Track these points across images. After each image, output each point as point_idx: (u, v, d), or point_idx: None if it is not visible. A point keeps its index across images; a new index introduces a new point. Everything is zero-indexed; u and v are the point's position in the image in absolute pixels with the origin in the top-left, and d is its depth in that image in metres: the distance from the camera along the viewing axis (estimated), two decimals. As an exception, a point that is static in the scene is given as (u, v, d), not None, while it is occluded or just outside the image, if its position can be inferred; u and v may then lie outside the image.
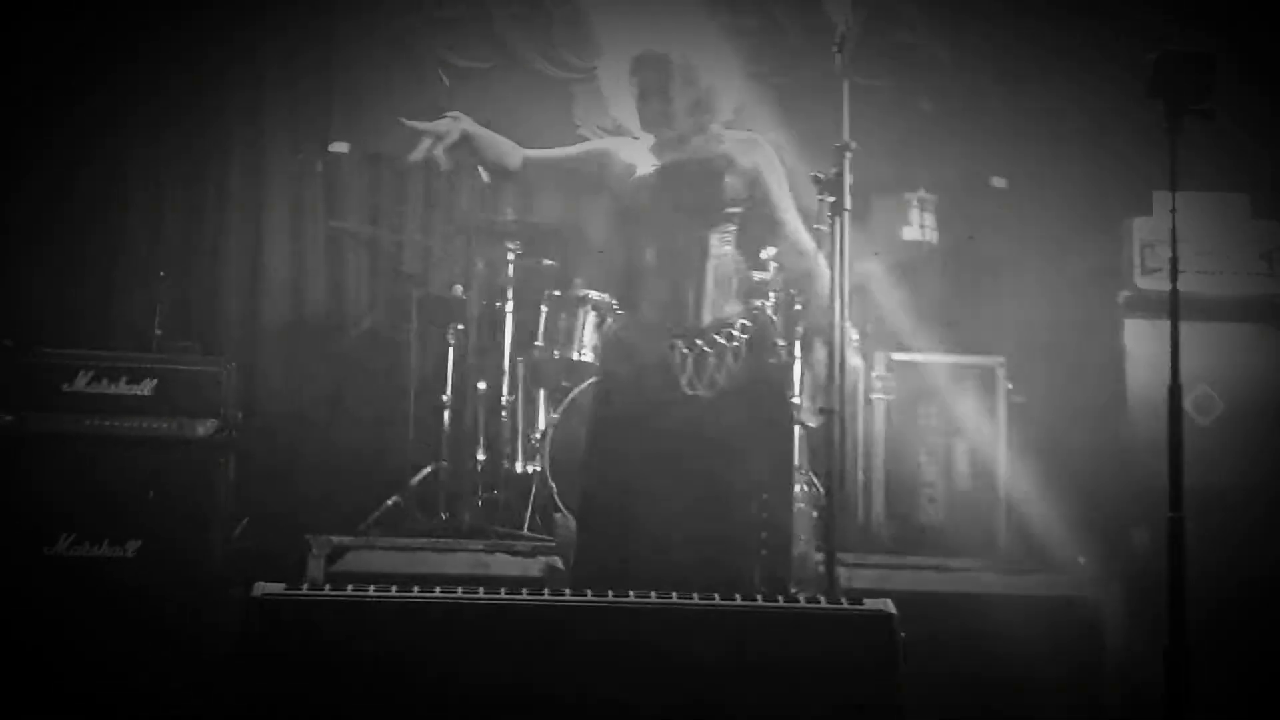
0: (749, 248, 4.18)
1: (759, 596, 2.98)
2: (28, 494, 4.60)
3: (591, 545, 3.95)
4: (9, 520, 4.56)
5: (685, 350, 3.90)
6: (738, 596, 2.94)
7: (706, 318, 3.93)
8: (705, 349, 3.90)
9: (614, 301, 5.84)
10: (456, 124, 3.93)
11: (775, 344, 4.07)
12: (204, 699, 4.44)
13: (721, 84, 4.05)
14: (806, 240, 4.00)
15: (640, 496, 3.84)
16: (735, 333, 3.93)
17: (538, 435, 5.90)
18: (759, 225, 4.10)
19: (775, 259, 5.01)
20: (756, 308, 4.05)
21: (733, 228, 4.01)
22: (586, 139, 6.89)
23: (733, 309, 3.97)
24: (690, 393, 3.89)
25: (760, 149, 4.01)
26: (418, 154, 3.86)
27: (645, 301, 4.00)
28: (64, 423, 4.69)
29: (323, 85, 6.93)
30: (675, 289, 3.95)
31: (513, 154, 4.09)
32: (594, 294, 5.87)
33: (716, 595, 2.93)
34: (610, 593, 2.90)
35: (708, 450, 3.86)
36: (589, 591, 2.91)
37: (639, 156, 4.08)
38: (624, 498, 3.87)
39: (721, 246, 3.98)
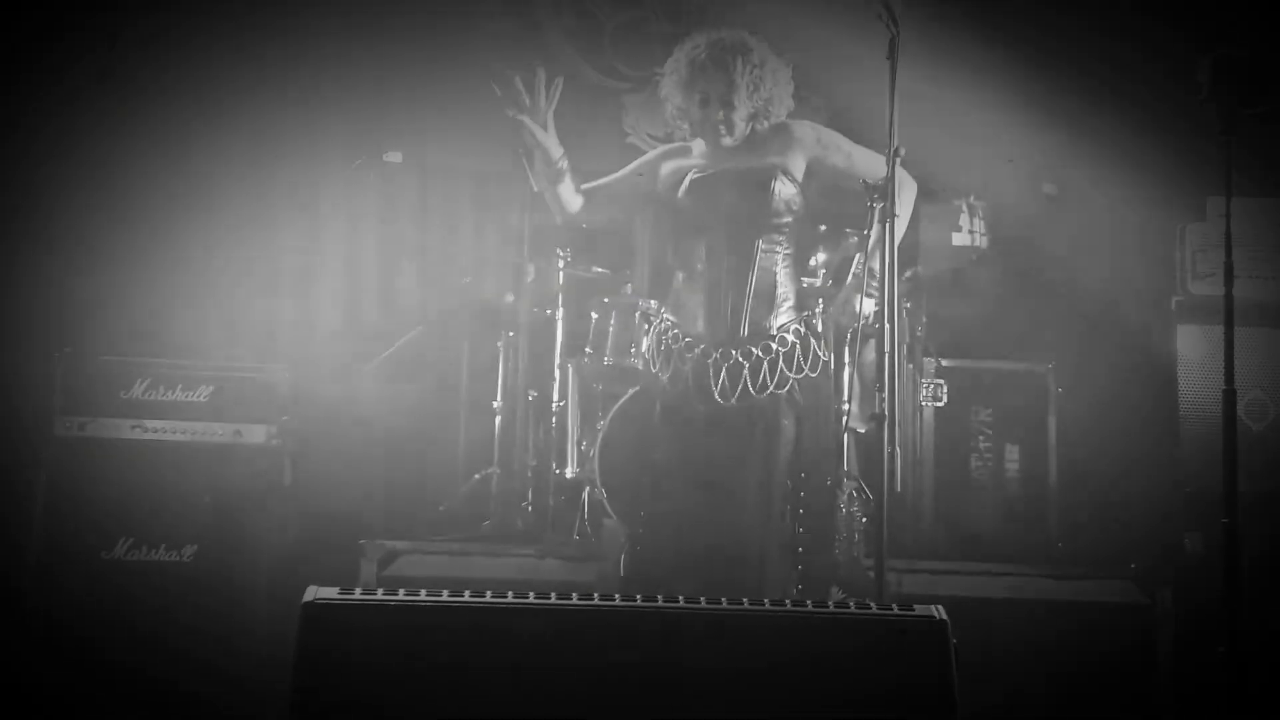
0: (799, 256, 4.19)
1: (809, 602, 2.98)
2: (87, 499, 4.66)
3: (636, 551, 3.99)
4: (69, 525, 4.62)
5: (721, 361, 3.95)
6: (787, 602, 2.95)
7: (745, 329, 3.96)
8: (740, 360, 3.93)
9: (664, 309, 5.86)
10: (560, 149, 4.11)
11: (817, 357, 4.06)
12: (258, 702, 4.48)
13: (780, 93, 4.06)
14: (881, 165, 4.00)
15: (675, 503, 3.88)
16: (773, 345, 3.95)
17: (587, 442, 5.91)
18: (808, 233, 4.12)
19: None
20: (803, 317, 4.05)
21: (780, 238, 4.01)
22: (637, 147, 6.98)
23: (779, 319, 3.98)
24: (721, 402, 3.92)
25: (804, 134, 4.04)
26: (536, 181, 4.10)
27: (689, 311, 4.02)
28: (122, 429, 4.75)
29: (376, 96, 6.98)
30: (717, 299, 3.99)
31: (575, 200, 4.23)
32: (643, 301, 5.88)
33: (766, 601, 2.93)
34: (660, 597, 2.91)
35: (733, 458, 3.90)
36: (639, 596, 2.92)
37: (687, 164, 4.10)
38: (662, 505, 3.91)
39: (769, 256, 3.99)
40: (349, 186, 6.82)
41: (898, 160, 3.65)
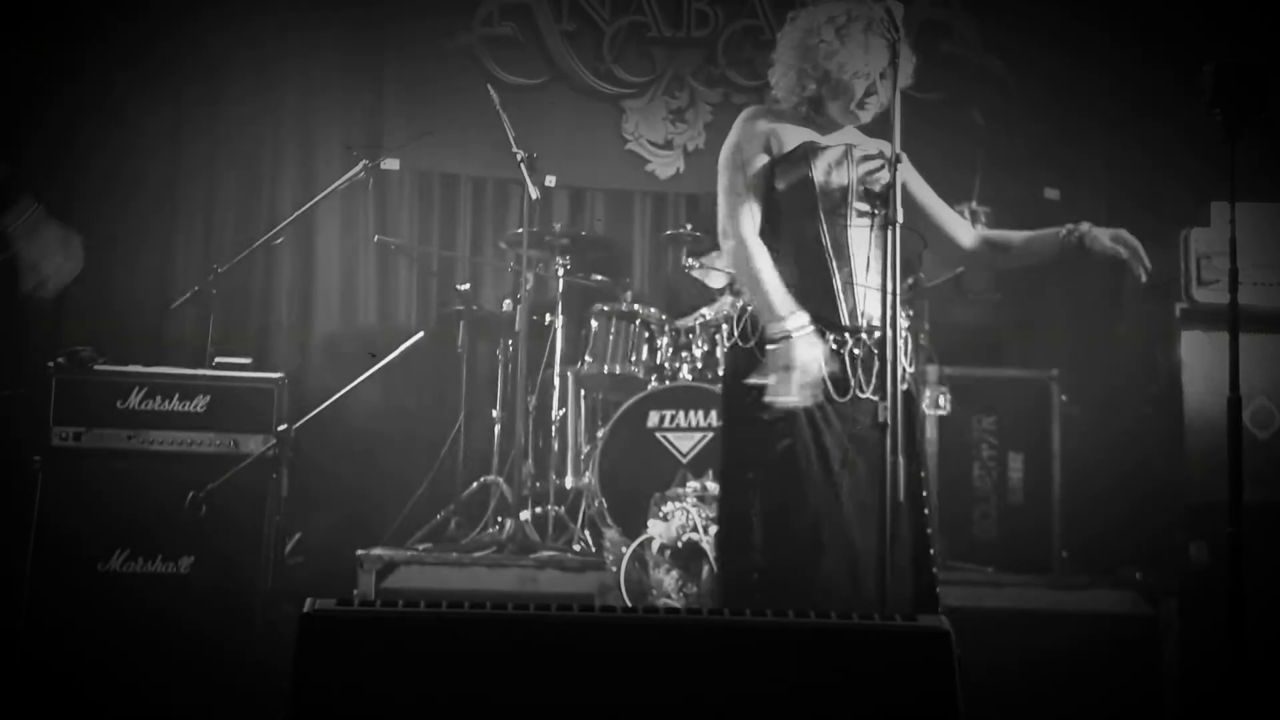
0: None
1: (811, 613, 2.94)
2: (83, 510, 4.63)
3: (778, 563, 3.74)
4: (65, 537, 4.59)
5: (849, 349, 3.71)
6: (790, 613, 2.91)
7: (863, 315, 3.73)
8: (871, 348, 3.71)
9: (664, 315, 5.84)
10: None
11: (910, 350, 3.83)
12: (255, 714, 4.45)
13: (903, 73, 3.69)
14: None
15: (833, 513, 3.64)
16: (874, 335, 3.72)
17: (587, 450, 5.89)
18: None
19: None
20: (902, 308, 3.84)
21: (886, 228, 3.61)
22: (636, 154, 6.98)
23: (876, 309, 3.69)
24: (862, 396, 3.69)
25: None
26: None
27: (795, 292, 3.71)
28: (118, 439, 4.72)
29: (374, 102, 6.98)
30: (825, 280, 3.75)
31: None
32: (643, 309, 5.87)
33: (768, 611, 2.90)
34: (660, 608, 2.88)
35: (876, 461, 3.51)
36: (639, 607, 2.89)
37: (789, 135, 3.81)
38: (817, 512, 3.64)
39: (878, 239, 3.74)
40: (347, 193, 6.80)
41: (898, 168, 3.58)
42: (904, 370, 3.64)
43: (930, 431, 5.67)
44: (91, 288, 6.56)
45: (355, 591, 5.01)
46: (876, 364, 3.69)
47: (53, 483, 4.63)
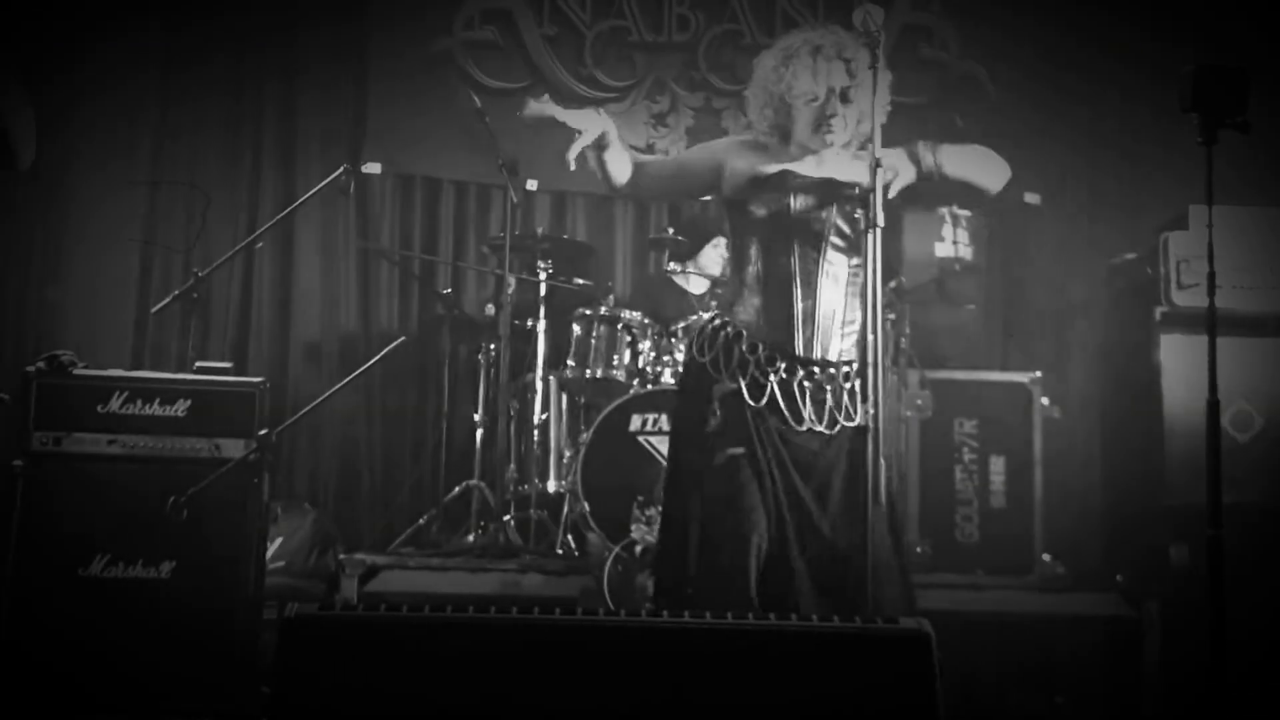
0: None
1: (793, 616, 2.94)
2: (63, 515, 4.60)
3: (712, 575, 3.75)
4: (45, 542, 4.55)
5: (806, 380, 3.75)
6: (771, 616, 2.92)
7: (822, 349, 3.76)
8: (823, 383, 3.75)
9: (646, 319, 5.84)
10: (599, 121, 3.78)
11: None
12: (237, 719, 4.44)
13: (882, 100, 3.67)
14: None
15: (773, 525, 3.68)
16: (851, 371, 3.77)
17: (569, 454, 5.89)
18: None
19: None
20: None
21: (858, 257, 3.73)
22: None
23: (844, 344, 3.79)
24: (813, 429, 3.73)
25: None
26: (573, 151, 3.72)
27: (758, 320, 3.80)
28: (99, 444, 4.69)
29: (355, 107, 6.97)
30: (787, 310, 3.78)
31: (623, 170, 3.89)
32: (625, 313, 5.87)
33: (749, 615, 2.90)
34: (643, 612, 2.88)
35: (829, 489, 3.71)
36: (622, 611, 2.89)
37: (770, 163, 3.84)
38: (751, 523, 3.67)
39: (851, 274, 3.78)
40: (328, 196, 6.80)
41: (880, 172, 3.57)
42: (864, 410, 3.67)
43: (912, 435, 5.69)
44: (72, 291, 6.56)
45: (337, 596, 5.00)
46: (829, 399, 3.74)
47: (33, 487, 4.60)
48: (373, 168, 6.85)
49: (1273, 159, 5.65)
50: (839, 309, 3.79)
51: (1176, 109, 3.58)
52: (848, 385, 3.76)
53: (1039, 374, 5.84)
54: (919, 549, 5.54)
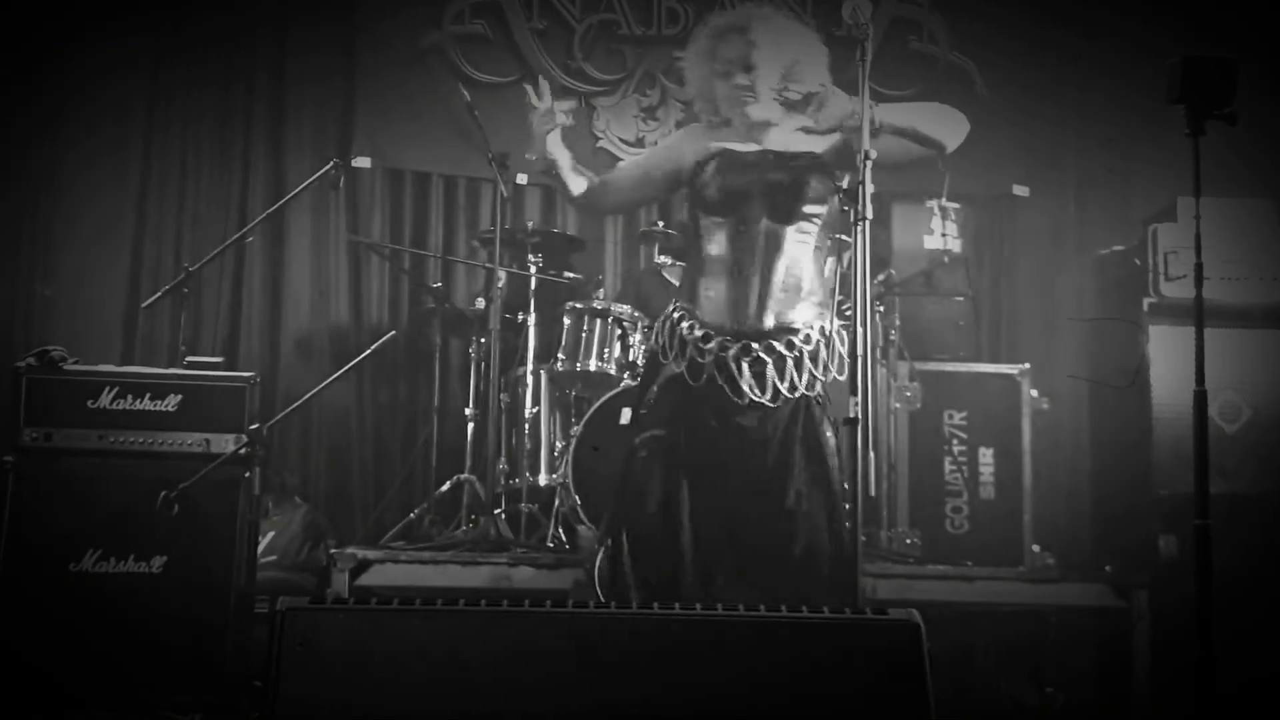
0: (827, 248, 4.00)
1: (783, 607, 2.95)
2: (54, 510, 4.60)
3: (637, 557, 3.80)
4: (36, 537, 4.55)
5: (741, 355, 3.78)
6: (761, 607, 2.93)
7: (769, 321, 3.81)
8: (762, 355, 3.78)
9: (637, 313, 5.85)
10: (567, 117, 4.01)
11: (842, 358, 3.86)
12: (228, 713, 4.44)
13: (807, 57, 3.88)
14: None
15: (692, 507, 3.76)
16: (797, 341, 3.81)
17: (560, 448, 5.89)
18: (841, 224, 3.92)
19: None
20: (841, 316, 3.90)
21: (811, 228, 3.85)
22: (608, 151, 6.98)
23: (802, 314, 3.83)
24: (752, 400, 3.77)
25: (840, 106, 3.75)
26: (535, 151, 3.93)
27: (709, 300, 3.86)
28: (89, 439, 4.69)
29: (345, 101, 6.96)
30: (739, 288, 3.83)
31: (577, 182, 4.05)
32: (615, 306, 5.87)
33: (740, 606, 2.91)
34: (634, 604, 2.89)
35: (781, 465, 3.76)
36: (613, 603, 2.90)
37: (716, 143, 3.94)
38: (675, 508, 3.78)
39: (798, 246, 3.84)
40: (318, 191, 6.80)
41: (868, 165, 3.59)
42: (813, 376, 3.75)
43: (901, 427, 5.70)
44: (62, 287, 6.55)
45: (328, 590, 5.00)
46: (772, 372, 3.78)
47: (24, 483, 4.59)
48: (363, 162, 6.84)
49: (1262, 150, 5.67)
50: (802, 278, 3.84)
51: (1165, 100, 3.59)
52: (793, 354, 3.78)
53: (1028, 365, 5.86)
54: (909, 540, 5.55)
